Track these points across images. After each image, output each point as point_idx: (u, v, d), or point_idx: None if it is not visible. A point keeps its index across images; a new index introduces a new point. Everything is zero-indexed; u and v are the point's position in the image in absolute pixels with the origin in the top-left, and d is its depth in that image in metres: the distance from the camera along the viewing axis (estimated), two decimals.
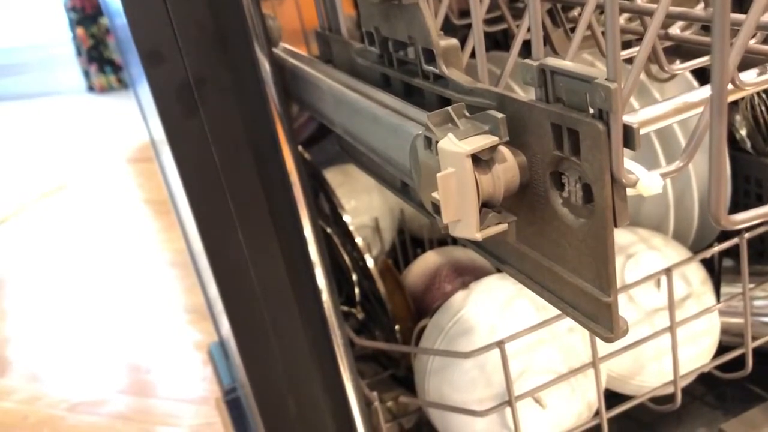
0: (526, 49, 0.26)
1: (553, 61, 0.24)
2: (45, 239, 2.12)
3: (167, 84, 0.42)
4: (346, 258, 0.68)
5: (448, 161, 0.25)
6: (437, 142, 0.26)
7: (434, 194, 0.26)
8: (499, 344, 0.47)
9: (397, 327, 0.64)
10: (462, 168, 0.25)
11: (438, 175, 0.25)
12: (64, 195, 2.45)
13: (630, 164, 0.23)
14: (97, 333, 1.54)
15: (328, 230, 0.68)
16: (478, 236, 0.26)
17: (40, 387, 1.38)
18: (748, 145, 0.64)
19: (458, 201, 0.25)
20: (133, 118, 2.98)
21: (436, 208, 0.26)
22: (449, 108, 0.27)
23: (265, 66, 0.44)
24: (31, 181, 2.59)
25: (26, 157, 2.94)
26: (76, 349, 1.50)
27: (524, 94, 0.27)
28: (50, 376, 1.41)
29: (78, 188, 2.50)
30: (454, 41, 0.32)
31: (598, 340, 0.49)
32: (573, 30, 0.40)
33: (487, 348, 0.48)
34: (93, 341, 1.52)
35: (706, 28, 0.38)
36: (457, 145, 0.25)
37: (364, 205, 0.78)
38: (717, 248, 0.54)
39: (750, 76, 0.26)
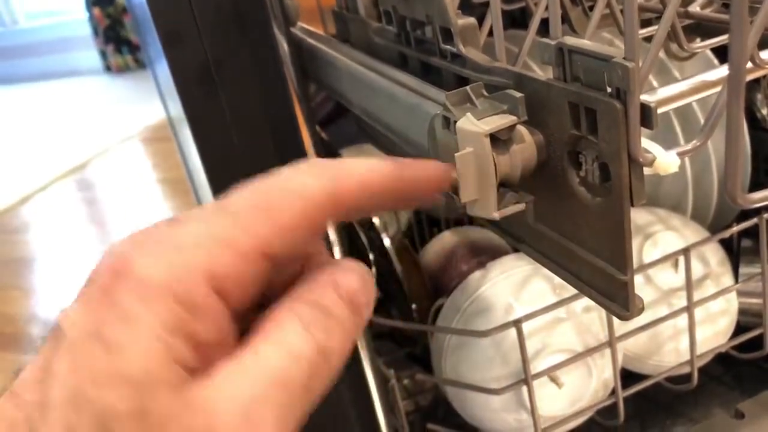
0: (544, 28, 0.26)
1: (570, 40, 0.24)
2: (66, 218, 2.14)
3: (187, 64, 0.42)
4: (363, 237, 0.68)
5: (466, 141, 0.25)
6: (455, 121, 0.26)
7: (452, 173, 0.26)
8: (516, 323, 0.47)
9: (414, 306, 0.65)
10: (480, 147, 0.25)
11: (456, 154, 0.25)
12: (81, 174, 2.48)
13: (647, 143, 0.23)
14: None
15: None
16: (496, 215, 0.26)
17: None
18: None
19: (476, 180, 0.25)
20: (149, 98, 3.00)
21: (454, 187, 0.26)
22: (467, 87, 0.27)
23: (283, 46, 0.45)
24: (50, 161, 2.61)
25: (44, 138, 2.96)
26: None
27: (542, 73, 0.27)
28: None
29: (95, 168, 2.52)
30: (471, 20, 0.32)
31: (615, 320, 0.50)
32: (591, 8, 0.40)
33: (503, 327, 0.48)
34: None
35: (727, 6, 0.37)
36: (475, 125, 0.25)
37: None
38: (736, 228, 0.54)
39: None
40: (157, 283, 0.20)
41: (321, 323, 0.23)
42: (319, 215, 0.23)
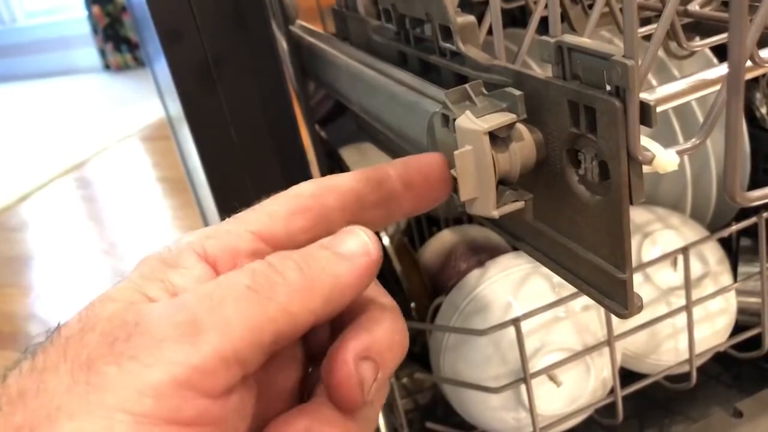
0: (544, 26, 0.26)
1: (570, 38, 0.24)
2: (65, 216, 2.14)
3: (186, 62, 0.42)
4: None
5: (465, 139, 0.25)
6: (455, 119, 0.26)
7: (451, 171, 0.26)
8: (515, 322, 0.47)
9: (413, 305, 0.65)
10: (479, 145, 0.25)
11: (455, 152, 0.25)
12: (80, 173, 2.47)
13: (646, 141, 0.23)
14: None
15: None
16: (495, 214, 0.26)
17: None
18: None
19: (475, 178, 0.25)
20: (148, 97, 2.99)
21: (454, 185, 0.26)
22: (467, 85, 0.27)
23: (282, 44, 0.45)
24: (49, 159, 2.61)
25: (43, 136, 2.96)
26: None
27: (541, 71, 0.27)
28: None
29: (94, 166, 2.52)
30: (471, 18, 0.32)
31: (613, 318, 0.50)
32: (591, 7, 0.40)
33: (502, 325, 0.48)
34: None
35: (726, 4, 0.37)
36: (474, 123, 0.25)
37: None
38: (735, 227, 0.54)
39: None
40: (152, 257, 0.26)
41: (281, 255, 0.25)
42: (306, 201, 0.27)
